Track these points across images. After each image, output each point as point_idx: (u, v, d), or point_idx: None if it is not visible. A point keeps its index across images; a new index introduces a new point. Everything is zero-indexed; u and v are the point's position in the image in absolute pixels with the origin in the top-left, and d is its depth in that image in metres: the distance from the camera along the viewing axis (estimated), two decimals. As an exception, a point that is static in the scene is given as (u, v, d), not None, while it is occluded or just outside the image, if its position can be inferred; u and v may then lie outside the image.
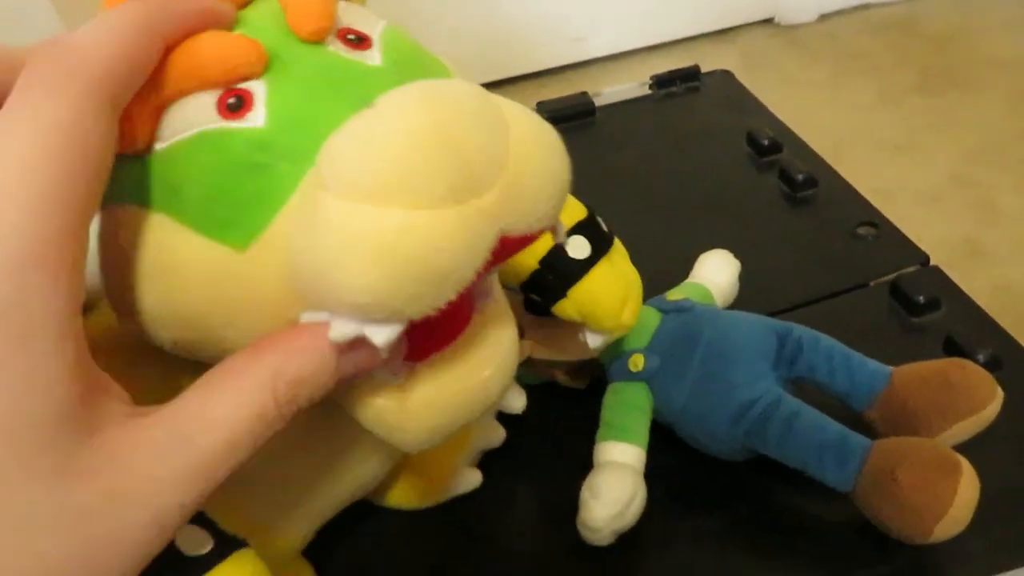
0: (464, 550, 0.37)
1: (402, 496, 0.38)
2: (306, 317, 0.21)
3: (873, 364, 0.36)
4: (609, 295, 0.33)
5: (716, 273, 0.43)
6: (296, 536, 0.31)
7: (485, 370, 0.24)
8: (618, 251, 0.35)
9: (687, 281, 0.43)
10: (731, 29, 1.36)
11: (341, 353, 0.21)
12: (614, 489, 0.34)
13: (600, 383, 0.39)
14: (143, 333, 0.24)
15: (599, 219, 0.35)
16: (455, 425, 0.24)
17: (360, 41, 0.23)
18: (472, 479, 0.38)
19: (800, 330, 0.37)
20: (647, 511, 0.35)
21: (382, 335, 0.20)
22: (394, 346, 0.21)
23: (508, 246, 0.21)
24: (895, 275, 0.46)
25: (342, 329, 0.20)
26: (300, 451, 0.29)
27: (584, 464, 0.36)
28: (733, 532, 0.36)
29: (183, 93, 0.22)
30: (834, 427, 0.34)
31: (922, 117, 1.20)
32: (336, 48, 0.23)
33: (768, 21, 1.37)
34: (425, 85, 0.20)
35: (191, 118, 0.22)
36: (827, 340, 0.37)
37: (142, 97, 0.21)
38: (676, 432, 0.38)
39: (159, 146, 0.22)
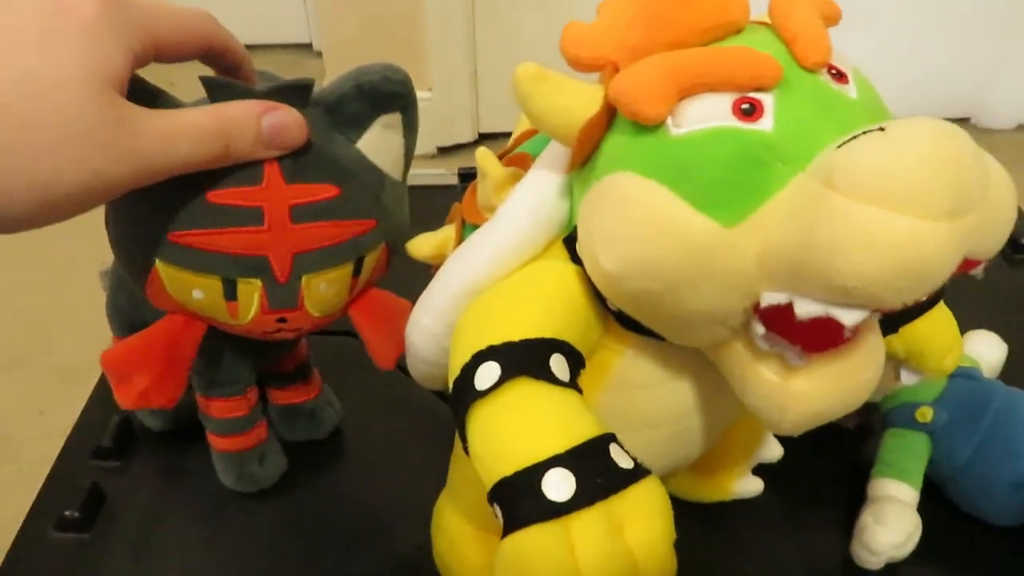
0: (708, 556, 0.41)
1: (685, 487, 0.42)
2: (767, 297, 0.26)
3: None
4: (940, 339, 0.37)
5: (988, 351, 0.47)
6: None
7: (867, 373, 0.28)
8: (942, 304, 0.39)
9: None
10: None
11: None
12: (900, 520, 0.38)
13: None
14: (604, 281, 0.28)
15: None
16: (829, 416, 0.28)
17: (840, 76, 0.28)
18: (755, 486, 0.42)
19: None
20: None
21: (851, 317, 0.24)
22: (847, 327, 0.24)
23: (962, 266, 0.25)
24: None
25: (807, 309, 0.25)
26: (648, 426, 0.34)
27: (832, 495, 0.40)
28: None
29: (707, 88, 0.26)
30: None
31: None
32: (825, 79, 0.27)
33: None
34: (931, 120, 0.24)
35: (709, 113, 0.26)
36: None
37: (669, 82, 0.26)
38: (946, 490, 0.41)
39: (676, 131, 0.26)
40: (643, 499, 0.26)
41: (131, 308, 0.42)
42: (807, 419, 0.28)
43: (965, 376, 0.42)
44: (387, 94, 0.35)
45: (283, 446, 0.46)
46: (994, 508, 0.40)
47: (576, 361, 0.30)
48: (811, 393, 0.27)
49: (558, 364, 0.28)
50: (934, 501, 0.41)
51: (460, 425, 0.28)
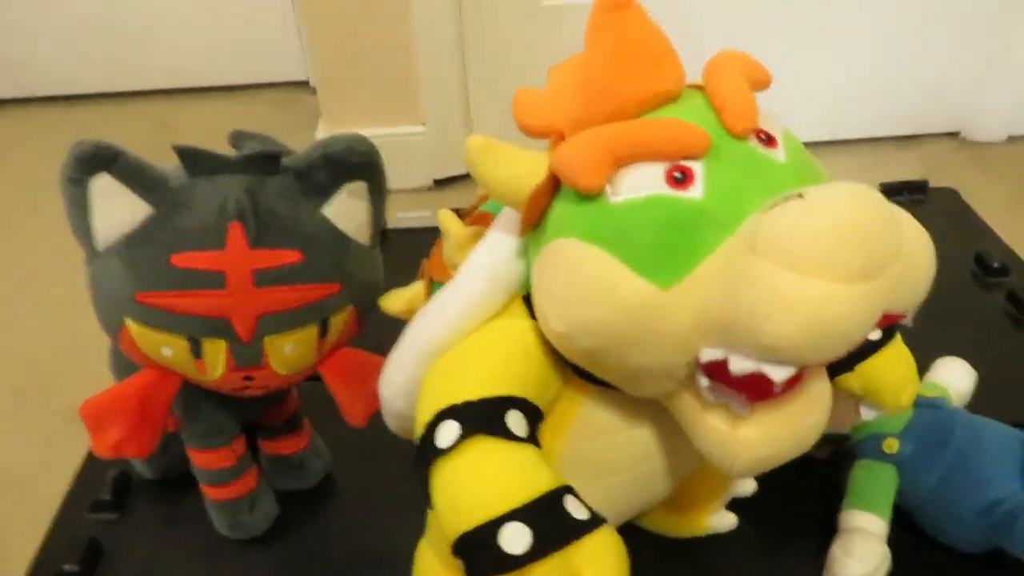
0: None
1: (660, 523, 0.43)
2: (705, 354, 0.27)
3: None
4: (895, 376, 0.38)
5: (957, 379, 0.48)
6: None
7: (811, 418, 0.29)
8: (898, 339, 0.40)
9: (927, 381, 0.48)
10: (915, 136, 1.39)
11: None
12: (868, 551, 0.39)
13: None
14: (556, 340, 0.30)
15: None
16: (778, 460, 0.29)
17: (769, 140, 0.29)
18: (729, 521, 0.43)
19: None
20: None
21: (780, 374, 0.26)
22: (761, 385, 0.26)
23: (884, 320, 0.26)
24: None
25: (740, 365, 0.26)
26: (611, 472, 0.36)
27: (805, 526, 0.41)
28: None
29: (642, 159, 0.28)
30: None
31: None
32: (754, 144, 0.29)
33: (954, 135, 1.39)
34: (845, 185, 0.26)
35: (643, 182, 0.28)
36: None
37: (607, 154, 0.28)
38: (916, 519, 0.42)
39: (614, 199, 0.28)
40: (599, 549, 0.28)
41: (127, 362, 0.44)
42: (756, 464, 0.29)
43: (930, 406, 0.43)
44: (352, 164, 0.37)
45: (275, 492, 0.47)
46: (963, 535, 0.41)
47: (534, 415, 0.31)
48: (758, 439, 0.29)
49: (515, 420, 0.30)
50: (905, 529, 0.42)
51: (424, 480, 0.30)
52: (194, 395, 0.41)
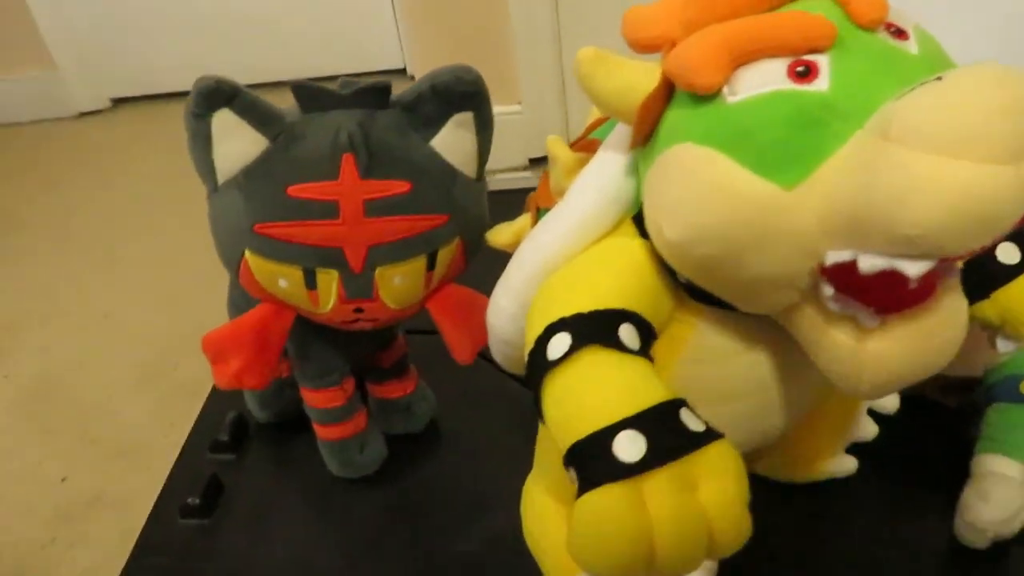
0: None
1: (775, 467, 0.42)
2: (831, 256, 0.26)
3: None
4: None
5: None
6: None
7: (945, 333, 0.27)
8: None
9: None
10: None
11: None
12: (1005, 497, 0.37)
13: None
14: (670, 251, 0.29)
15: None
16: (909, 379, 0.27)
17: (900, 33, 0.28)
18: (848, 465, 0.41)
19: None
20: None
21: (916, 268, 0.24)
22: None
23: None
24: None
25: (871, 263, 0.24)
26: (725, 400, 0.34)
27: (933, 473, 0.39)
28: None
29: (761, 55, 0.27)
30: None
31: None
32: (884, 36, 0.27)
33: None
34: (988, 66, 0.24)
35: (764, 79, 0.26)
36: None
37: (724, 51, 0.27)
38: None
39: (732, 99, 0.27)
40: (715, 460, 0.27)
41: (245, 303, 0.46)
42: (885, 381, 0.27)
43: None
44: (459, 93, 0.37)
45: (384, 435, 0.48)
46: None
47: (647, 331, 0.30)
48: (887, 355, 0.27)
49: (628, 333, 0.29)
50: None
51: (536, 395, 0.29)
52: (306, 333, 0.42)
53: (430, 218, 0.38)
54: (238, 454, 0.50)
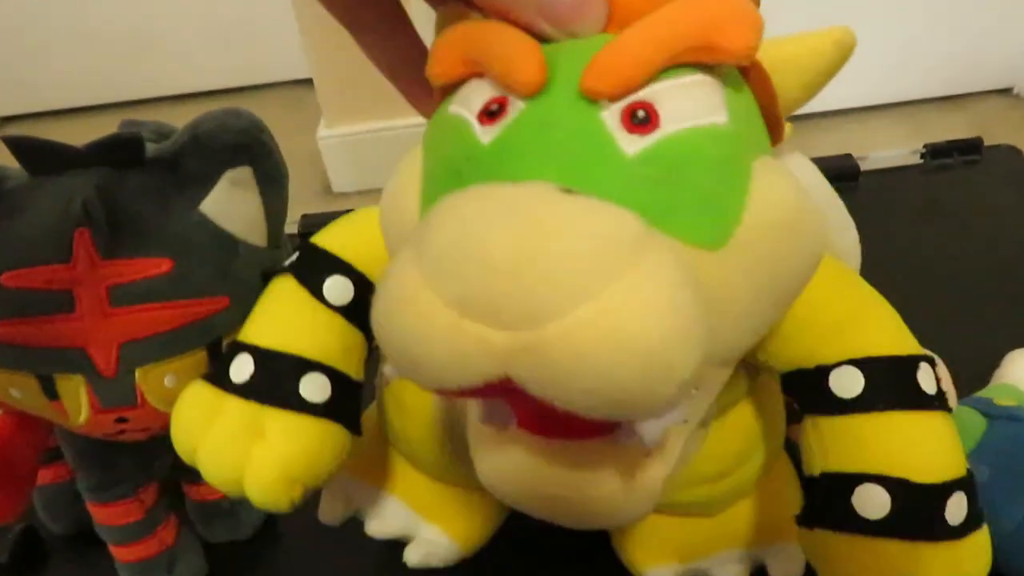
0: None
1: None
2: None
3: None
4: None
5: (1034, 377, 0.38)
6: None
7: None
8: None
9: (1000, 382, 0.38)
10: (961, 96, 1.27)
11: None
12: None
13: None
14: None
15: None
16: None
17: (646, 122, 0.20)
18: None
19: None
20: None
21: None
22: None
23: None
24: None
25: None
26: None
27: None
28: None
29: (471, 75, 0.22)
30: None
31: None
32: (609, 116, 0.20)
33: (1007, 90, 1.26)
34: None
35: (465, 98, 0.22)
36: None
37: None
38: (995, 563, 0.33)
39: (450, 107, 0.23)
40: (290, 427, 0.27)
41: None
42: None
43: (1008, 417, 0.34)
44: (228, 145, 0.29)
45: (205, 546, 0.40)
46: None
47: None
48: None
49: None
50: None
51: None
52: (84, 437, 0.34)
53: (202, 302, 0.29)
54: (27, 577, 0.41)
